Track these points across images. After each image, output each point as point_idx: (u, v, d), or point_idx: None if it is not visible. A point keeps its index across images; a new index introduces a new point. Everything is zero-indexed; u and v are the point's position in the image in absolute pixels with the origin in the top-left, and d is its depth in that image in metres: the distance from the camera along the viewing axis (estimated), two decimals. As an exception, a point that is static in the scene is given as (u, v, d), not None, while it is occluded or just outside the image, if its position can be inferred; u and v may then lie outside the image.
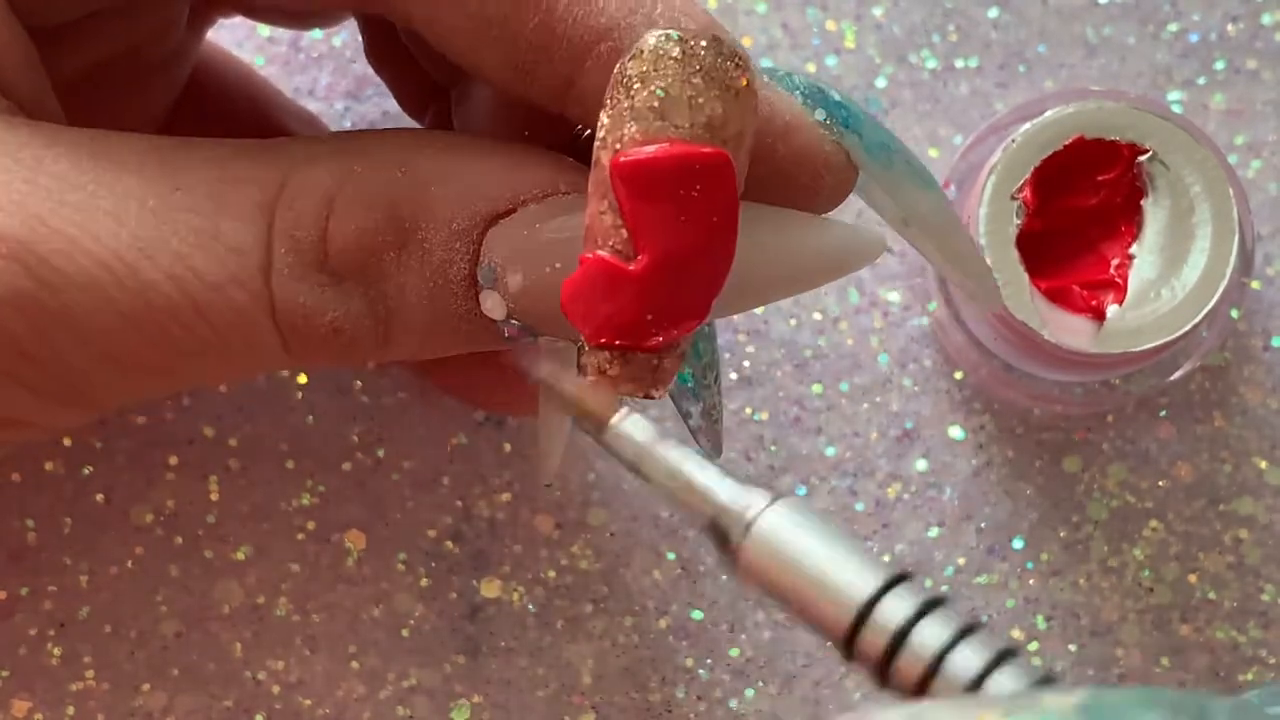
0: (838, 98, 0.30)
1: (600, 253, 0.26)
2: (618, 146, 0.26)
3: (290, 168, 0.28)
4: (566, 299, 0.27)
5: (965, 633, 0.23)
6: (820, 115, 0.29)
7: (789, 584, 0.24)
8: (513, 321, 0.28)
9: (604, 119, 0.26)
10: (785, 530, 0.24)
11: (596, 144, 0.26)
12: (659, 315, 0.26)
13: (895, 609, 0.23)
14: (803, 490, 0.40)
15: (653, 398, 0.27)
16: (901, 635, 0.23)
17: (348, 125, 0.41)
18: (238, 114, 0.38)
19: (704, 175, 0.26)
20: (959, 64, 0.42)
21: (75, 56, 0.32)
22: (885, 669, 0.23)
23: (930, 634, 0.23)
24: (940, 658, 0.23)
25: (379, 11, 0.29)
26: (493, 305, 0.28)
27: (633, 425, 0.25)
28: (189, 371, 0.29)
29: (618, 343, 0.26)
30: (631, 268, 0.26)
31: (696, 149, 0.26)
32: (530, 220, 0.28)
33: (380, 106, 0.41)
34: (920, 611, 0.23)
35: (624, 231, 0.26)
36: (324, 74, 0.42)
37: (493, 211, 0.28)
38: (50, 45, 0.30)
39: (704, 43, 0.26)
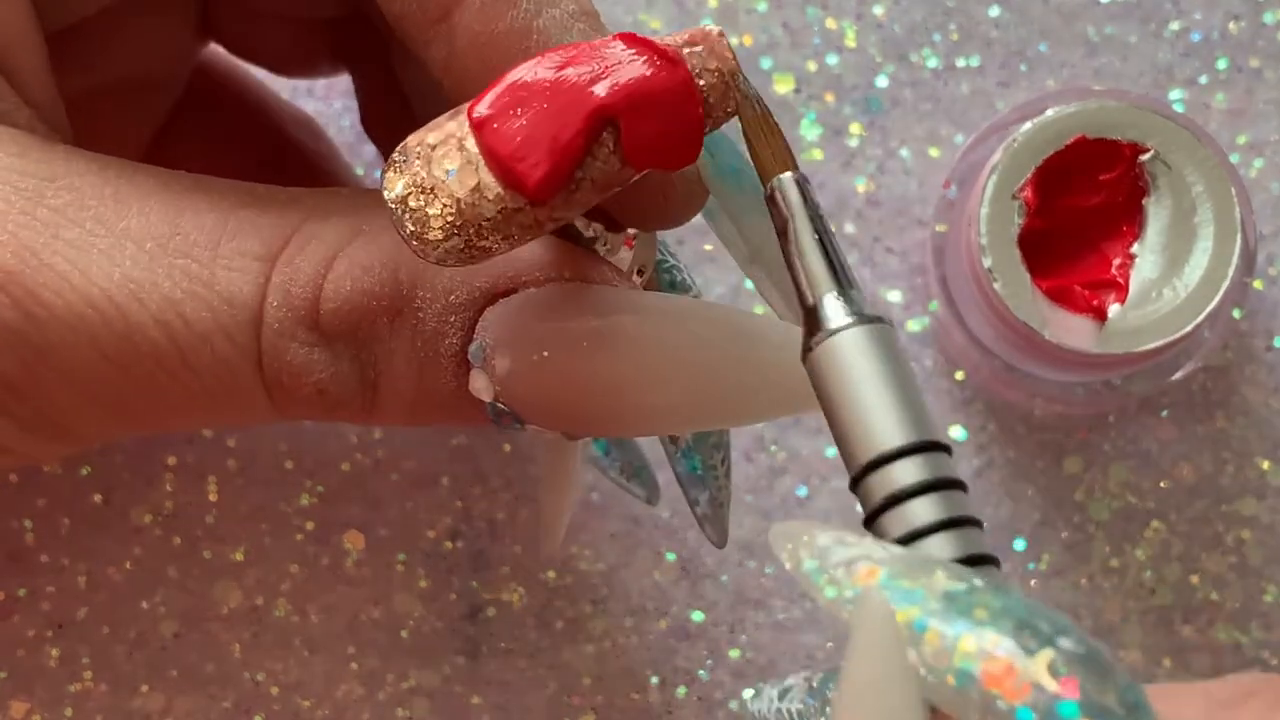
0: None
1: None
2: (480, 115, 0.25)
3: (300, 221, 0.28)
4: (632, 145, 0.25)
5: (951, 525, 0.23)
6: None
7: (834, 403, 0.24)
8: (500, 406, 0.28)
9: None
10: (855, 355, 0.24)
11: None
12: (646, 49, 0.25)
13: (905, 473, 0.23)
14: (803, 490, 0.40)
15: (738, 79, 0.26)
16: (892, 501, 0.23)
17: (346, 125, 0.41)
18: (236, 116, 0.38)
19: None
20: (960, 63, 0.42)
21: (79, 74, 0.32)
22: (871, 520, 0.24)
23: (919, 512, 0.23)
24: (912, 538, 0.23)
25: None
26: (482, 386, 0.28)
27: (792, 189, 0.25)
28: (171, 415, 0.28)
29: (715, 68, 0.25)
30: (601, 96, 0.25)
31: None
32: (528, 304, 0.27)
33: (379, 106, 0.41)
34: (924, 487, 0.23)
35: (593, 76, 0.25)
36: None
37: (492, 289, 0.27)
38: (57, 59, 0.30)
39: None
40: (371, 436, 0.40)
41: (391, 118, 0.34)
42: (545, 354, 0.27)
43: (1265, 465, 0.41)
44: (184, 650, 0.39)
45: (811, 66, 0.42)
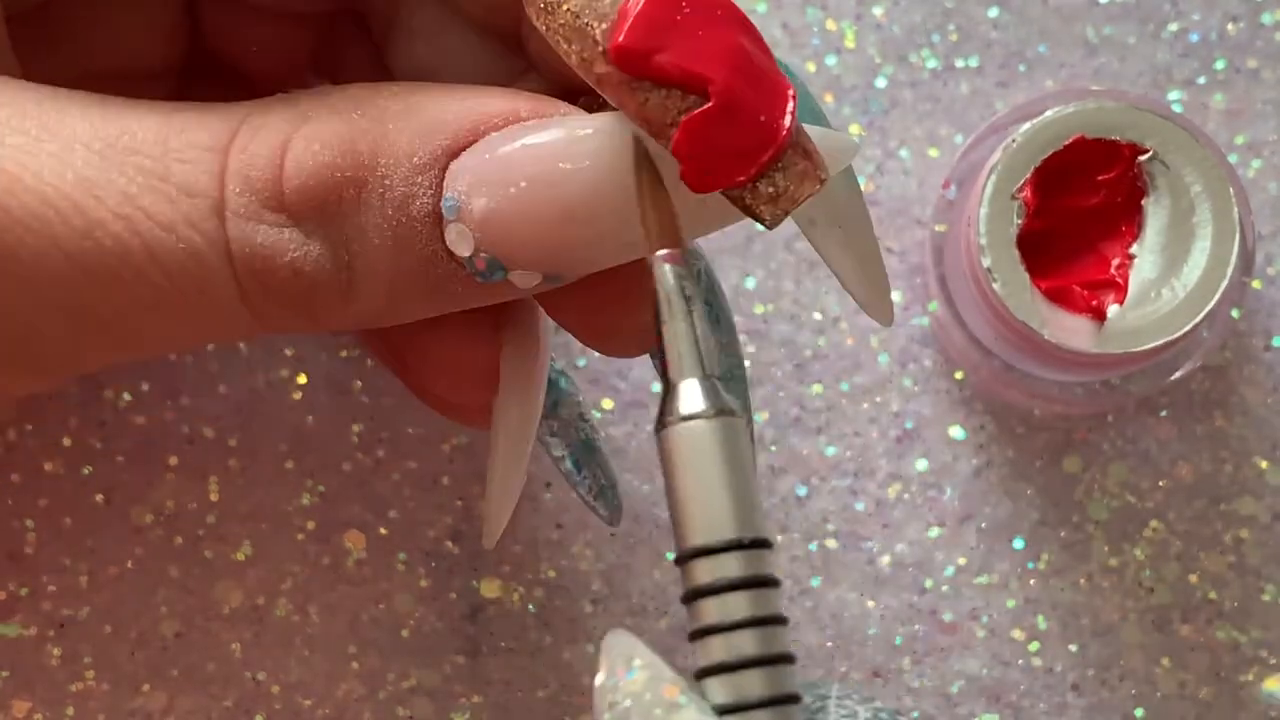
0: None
1: (683, 118, 0.26)
2: (601, 47, 0.26)
3: (244, 115, 0.27)
4: (695, 178, 0.26)
5: (760, 622, 0.25)
6: None
7: (674, 484, 0.25)
8: (481, 254, 0.27)
9: (566, 49, 0.26)
10: (702, 443, 0.25)
11: (580, 70, 0.26)
12: (766, 109, 0.26)
13: (723, 566, 0.25)
14: (803, 490, 0.40)
15: (824, 181, 0.27)
16: (700, 592, 0.25)
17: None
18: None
19: None
20: (959, 64, 0.42)
21: (56, 59, 0.31)
22: (688, 600, 0.25)
23: (732, 606, 0.25)
24: (707, 632, 0.25)
25: None
26: (457, 237, 0.27)
27: (667, 270, 0.26)
28: (144, 328, 0.28)
29: (765, 159, 0.26)
30: (711, 104, 0.26)
31: None
32: (495, 144, 0.27)
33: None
34: (740, 583, 0.25)
35: (675, 91, 0.26)
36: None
37: (454, 143, 0.27)
38: (29, 41, 0.30)
39: None
40: (372, 437, 0.40)
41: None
42: (523, 184, 0.27)
43: (1264, 465, 0.41)
44: (185, 650, 0.39)
45: (811, 67, 0.42)
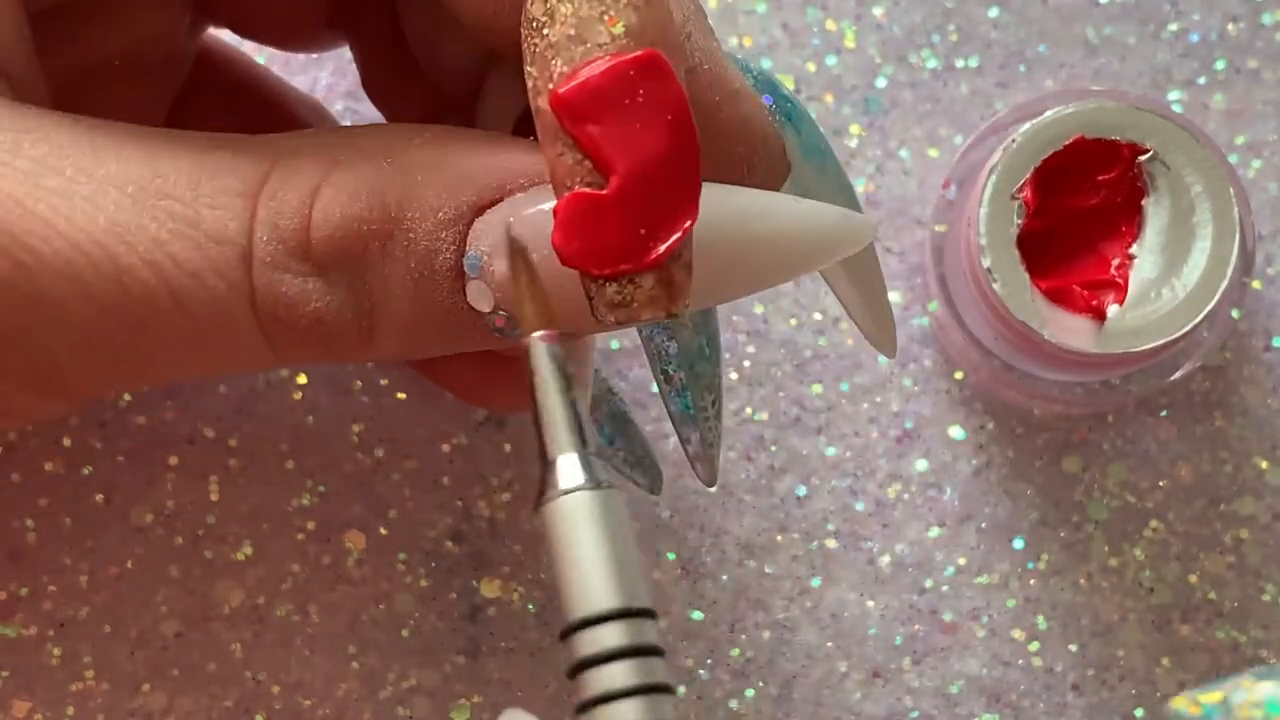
0: (786, 92, 0.30)
1: (574, 190, 0.26)
2: (550, 85, 0.26)
3: (275, 158, 0.28)
4: (560, 248, 0.26)
5: (643, 691, 0.25)
6: (767, 100, 0.29)
7: (557, 558, 0.26)
8: (500, 312, 0.28)
9: (529, 69, 0.26)
10: (581, 516, 0.25)
11: (530, 94, 0.26)
12: (651, 226, 0.26)
13: (608, 636, 0.25)
14: (802, 490, 0.40)
15: (676, 315, 0.27)
16: (586, 664, 0.25)
17: (348, 125, 0.41)
18: (246, 104, 0.38)
19: (642, 78, 0.26)
20: (959, 64, 0.42)
21: (73, 52, 0.31)
22: (573, 674, 0.25)
23: (615, 675, 0.25)
24: (592, 704, 0.25)
25: None
26: (478, 295, 0.28)
27: (543, 351, 0.26)
28: (167, 362, 0.28)
29: (623, 268, 0.26)
30: (606, 192, 0.26)
31: (625, 56, 0.26)
32: (517, 209, 0.27)
33: (380, 106, 0.41)
34: (623, 652, 0.25)
35: (587, 162, 0.26)
36: (324, 74, 0.42)
37: (480, 200, 0.27)
38: (48, 37, 0.30)
39: None
40: (372, 437, 0.40)
41: (396, 83, 0.34)
42: (545, 252, 0.27)
43: (1263, 465, 0.41)
44: (185, 650, 0.39)
45: (811, 67, 0.42)
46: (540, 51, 0.26)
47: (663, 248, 0.26)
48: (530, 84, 0.26)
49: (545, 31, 0.26)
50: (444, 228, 0.27)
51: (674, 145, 0.26)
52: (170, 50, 0.34)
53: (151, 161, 0.27)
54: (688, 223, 0.26)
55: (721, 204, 0.27)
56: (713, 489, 0.38)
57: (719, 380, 0.34)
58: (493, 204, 0.27)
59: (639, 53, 0.26)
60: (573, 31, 0.26)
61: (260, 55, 0.41)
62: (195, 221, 0.27)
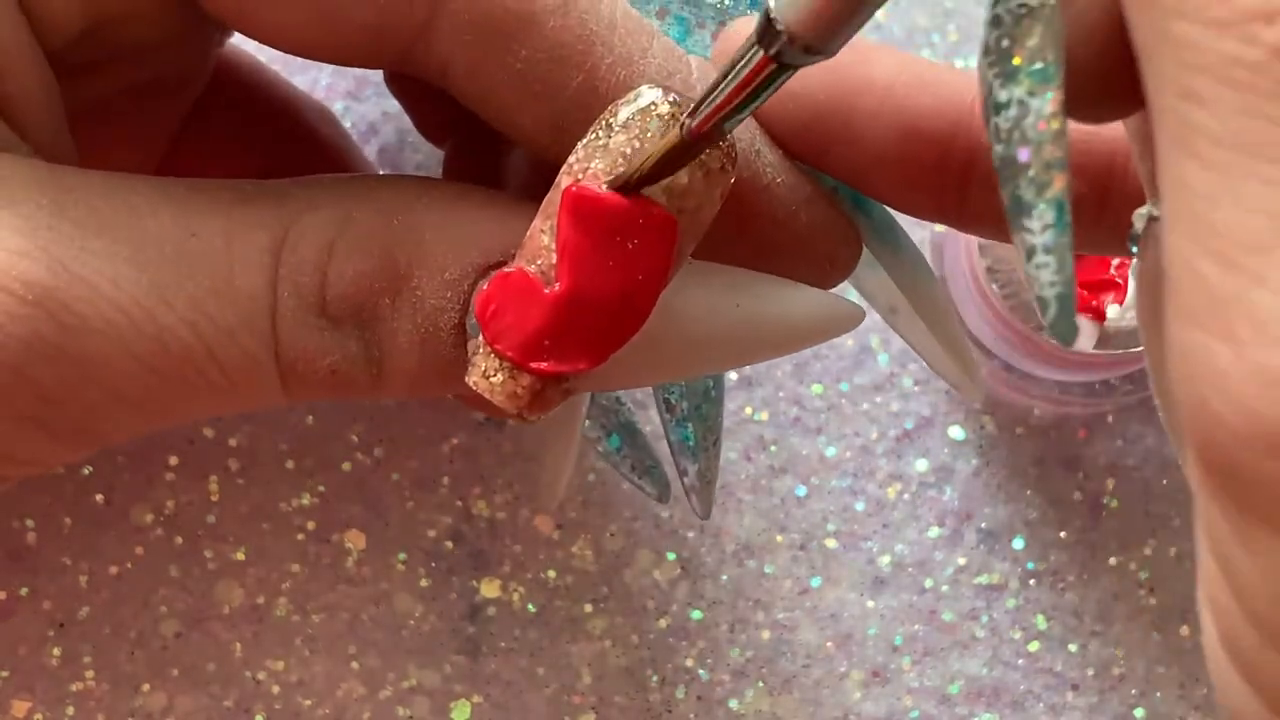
0: None
1: (526, 268, 0.27)
2: (580, 176, 0.26)
3: (294, 213, 0.28)
4: (480, 297, 0.27)
5: None
6: (836, 191, 0.30)
7: None
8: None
9: (578, 148, 0.27)
10: None
11: (563, 168, 0.27)
12: (555, 344, 0.27)
13: None
14: (802, 490, 0.40)
15: (523, 419, 0.28)
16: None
17: (348, 125, 0.41)
18: (256, 110, 0.38)
19: (645, 232, 0.26)
20: (959, 64, 0.42)
21: (98, 81, 0.32)
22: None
23: None
24: None
25: (415, 73, 0.29)
26: (479, 353, 0.28)
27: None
28: (192, 410, 0.29)
29: (509, 354, 0.27)
30: (547, 291, 0.26)
31: (648, 205, 0.26)
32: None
33: (380, 106, 0.41)
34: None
35: (553, 256, 0.26)
36: (324, 74, 0.42)
37: (485, 262, 0.28)
38: (69, 78, 0.30)
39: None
40: (372, 437, 0.40)
41: (420, 83, 0.35)
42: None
43: (1263, 465, 0.41)
44: (185, 649, 0.39)
45: (811, 67, 0.42)
46: (595, 144, 0.26)
47: (548, 368, 0.27)
48: (569, 159, 0.27)
49: (613, 131, 0.26)
50: (449, 287, 0.28)
51: (626, 300, 0.26)
52: (191, 69, 0.34)
53: (184, 219, 0.28)
54: (586, 366, 0.27)
55: (716, 284, 0.28)
56: (705, 520, 0.39)
57: (720, 420, 0.35)
58: (496, 266, 0.28)
59: (660, 211, 0.26)
60: (628, 151, 0.26)
61: (260, 55, 0.41)
62: (229, 279, 0.28)
